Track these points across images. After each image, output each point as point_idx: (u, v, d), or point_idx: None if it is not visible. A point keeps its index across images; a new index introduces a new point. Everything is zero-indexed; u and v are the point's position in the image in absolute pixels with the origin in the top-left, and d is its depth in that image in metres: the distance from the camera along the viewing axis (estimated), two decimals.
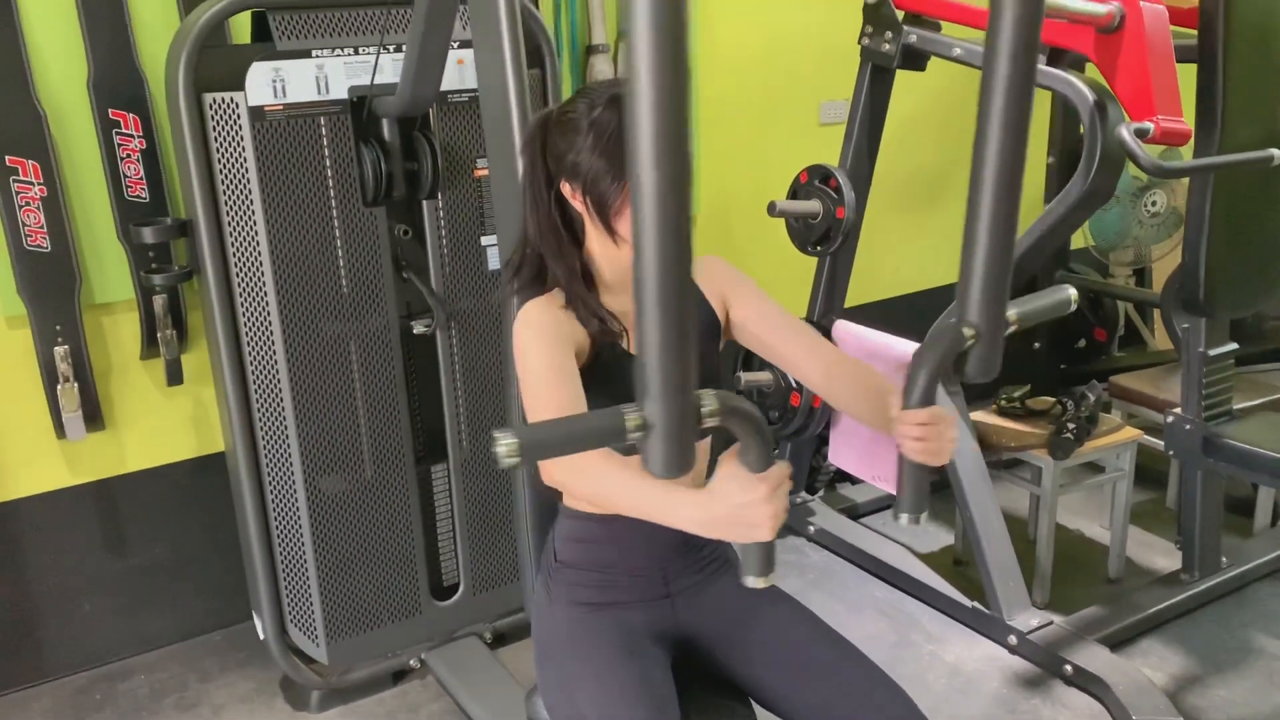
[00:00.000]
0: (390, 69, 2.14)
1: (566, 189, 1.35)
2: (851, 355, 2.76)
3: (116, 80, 2.27)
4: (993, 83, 1.05)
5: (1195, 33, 2.21)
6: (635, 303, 0.90)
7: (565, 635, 1.42)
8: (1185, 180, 2.94)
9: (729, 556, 1.55)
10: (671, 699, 1.34)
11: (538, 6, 2.69)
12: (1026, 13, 1.00)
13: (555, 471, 1.24)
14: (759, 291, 1.49)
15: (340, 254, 2.19)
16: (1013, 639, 2.51)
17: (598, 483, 1.22)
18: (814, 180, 2.81)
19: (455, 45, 2.15)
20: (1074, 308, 1.27)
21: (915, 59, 2.63)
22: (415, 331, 2.33)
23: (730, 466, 1.09)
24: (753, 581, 1.10)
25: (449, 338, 2.36)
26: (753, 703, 1.47)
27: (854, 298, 3.02)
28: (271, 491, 2.27)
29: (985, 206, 1.09)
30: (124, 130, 2.29)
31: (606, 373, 1.36)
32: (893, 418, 1.23)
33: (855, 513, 3.22)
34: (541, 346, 1.30)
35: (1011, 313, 1.17)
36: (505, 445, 0.90)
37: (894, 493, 2.78)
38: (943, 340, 1.16)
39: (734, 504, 1.07)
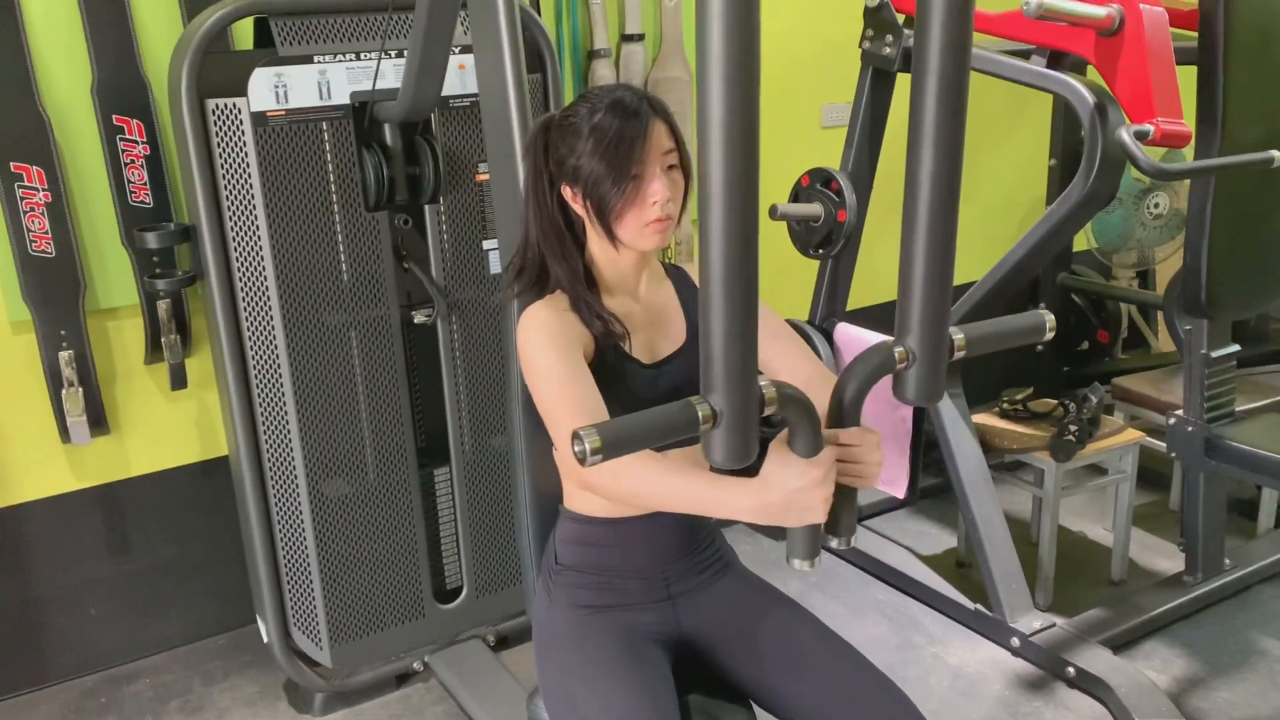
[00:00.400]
0: (392, 74, 2.15)
1: (568, 193, 1.35)
2: (852, 358, 2.74)
3: (120, 86, 2.28)
4: (924, 92, 1.01)
5: (1195, 35, 2.21)
6: (701, 298, 0.94)
7: (566, 637, 1.42)
8: (1188, 182, 2.94)
9: (729, 558, 1.55)
10: (672, 701, 1.34)
11: (539, 11, 2.70)
12: (955, 24, 0.98)
13: (592, 475, 1.22)
14: (765, 307, 1.50)
15: (343, 259, 2.20)
16: (1015, 641, 2.51)
17: (642, 482, 1.22)
18: (815, 183, 2.81)
19: (456, 50, 2.16)
20: (1050, 336, 1.19)
21: None
22: (416, 321, 2.33)
23: (781, 454, 1.10)
24: (799, 564, 1.13)
25: (450, 331, 2.36)
26: (753, 705, 1.47)
27: (856, 300, 3.02)
28: (275, 495, 2.27)
29: (921, 224, 1.05)
30: (127, 136, 2.30)
31: (610, 375, 1.36)
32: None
33: (858, 515, 3.22)
34: (552, 348, 1.30)
35: (959, 336, 1.12)
36: (590, 442, 0.93)
37: (897, 496, 2.79)
38: (870, 360, 1.11)
39: (788, 490, 1.10)
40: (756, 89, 0.88)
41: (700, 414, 0.97)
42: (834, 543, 1.21)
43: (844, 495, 1.19)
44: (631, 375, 1.39)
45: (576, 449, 0.94)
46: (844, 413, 1.17)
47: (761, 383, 0.99)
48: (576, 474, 1.27)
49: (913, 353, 1.10)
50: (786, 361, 1.45)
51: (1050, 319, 1.20)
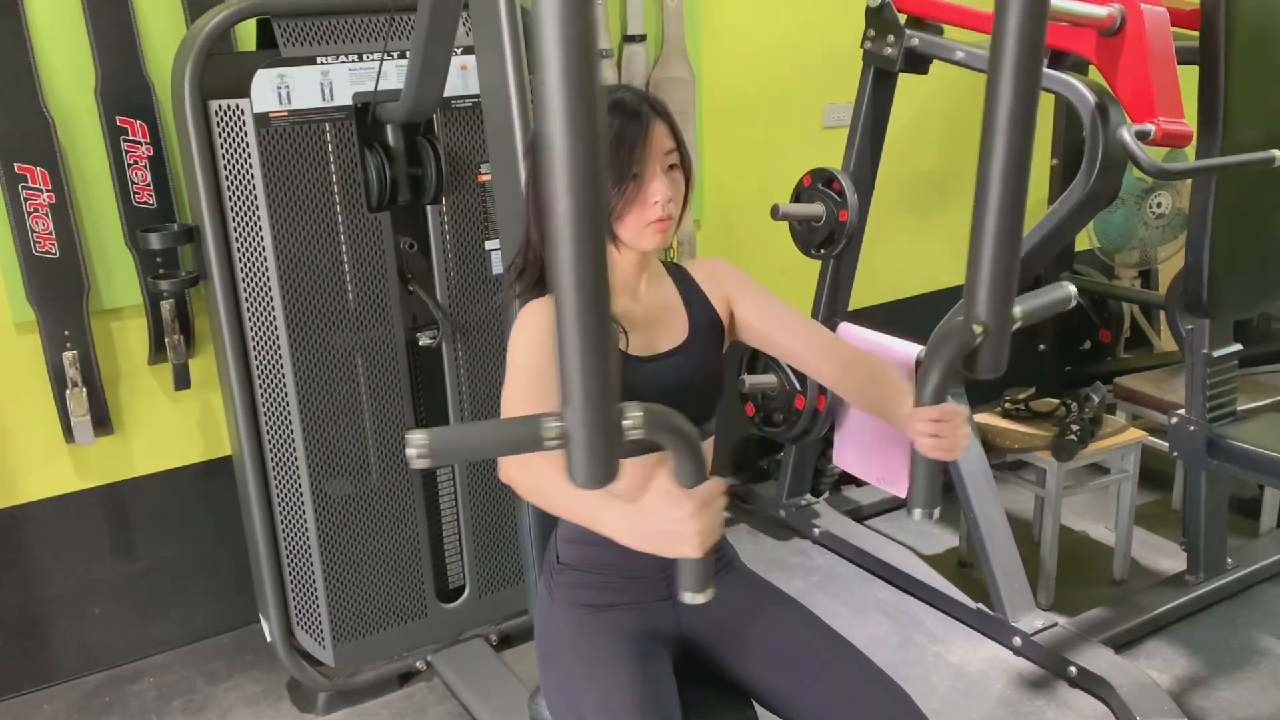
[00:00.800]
0: (394, 75, 2.15)
1: None
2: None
3: (124, 87, 2.29)
4: (999, 80, 1.07)
5: (1196, 34, 2.21)
6: (555, 313, 0.89)
7: (567, 636, 1.42)
8: (1190, 181, 2.94)
9: (730, 557, 1.56)
10: (673, 700, 1.34)
11: None
12: (1031, 11, 1.03)
13: (508, 468, 1.25)
14: (763, 290, 1.51)
15: (345, 259, 2.20)
16: (1017, 640, 2.51)
17: (542, 483, 1.22)
18: (817, 183, 2.82)
19: (458, 51, 2.17)
20: (1074, 304, 1.29)
21: (917, 62, 2.63)
22: (421, 344, 2.35)
23: (663, 481, 1.07)
24: (689, 598, 1.08)
25: (454, 349, 2.37)
26: (754, 703, 1.47)
27: (858, 300, 3.03)
28: (278, 495, 2.28)
29: (992, 204, 1.12)
30: (131, 137, 2.31)
31: None
32: (906, 415, 1.26)
33: (860, 515, 3.23)
34: (530, 345, 1.32)
35: (1016, 309, 1.19)
36: (415, 447, 0.91)
37: (899, 495, 2.79)
38: (953, 338, 1.18)
39: (662, 518, 1.06)
40: (595, 96, 0.84)
41: (544, 432, 0.92)
42: (916, 514, 1.27)
43: (931, 468, 1.25)
44: (629, 372, 1.39)
45: (405, 450, 0.93)
46: (933, 391, 1.22)
47: (632, 406, 0.94)
48: (501, 466, 1.27)
49: (986, 328, 1.17)
50: (812, 348, 1.48)
51: (1072, 288, 1.29)
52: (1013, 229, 1.13)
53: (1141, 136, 2.05)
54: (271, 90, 2.05)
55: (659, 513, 1.06)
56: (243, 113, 2.05)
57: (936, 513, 1.26)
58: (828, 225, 2.80)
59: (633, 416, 0.93)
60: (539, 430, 0.92)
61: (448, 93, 2.16)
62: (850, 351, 1.47)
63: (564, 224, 0.85)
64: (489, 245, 2.37)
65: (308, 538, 2.30)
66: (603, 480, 0.93)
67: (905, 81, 2.72)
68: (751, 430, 3.08)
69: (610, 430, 0.92)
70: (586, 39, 0.80)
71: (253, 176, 2.08)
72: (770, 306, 1.50)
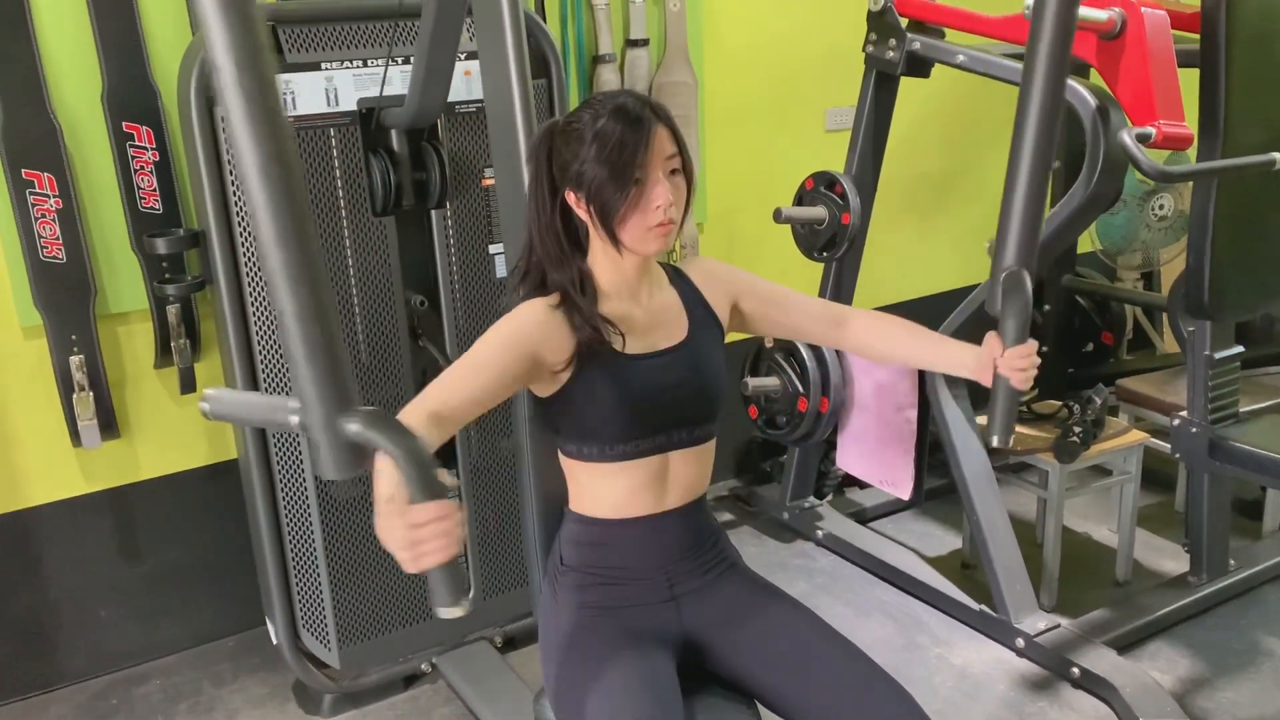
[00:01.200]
0: (398, 81, 2.17)
1: (571, 198, 1.37)
2: (858, 359, 2.77)
3: (130, 93, 2.30)
4: (1034, 61, 1.32)
5: (1197, 37, 2.22)
6: (276, 314, 0.91)
7: (571, 637, 1.43)
8: (1191, 184, 2.94)
9: (733, 559, 1.56)
10: (676, 700, 1.35)
11: (544, 17, 2.72)
12: (1064, 11, 1.27)
13: None
14: (758, 278, 1.56)
15: (350, 263, 2.21)
16: (1020, 642, 2.52)
17: None
18: (819, 186, 2.83)
19: (462, 56, 2.18)
20: None
21: (919, 66, 2.64)
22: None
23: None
24: (440, 612, 1.02)
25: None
26: (757, 704, 1.48)
27: (860, 303, 3.03)
28: (283, 498, 2.29)
29: (1023, 169, 1.37)
30: (137, 143, 2.32)
31: (602, 368, 1.39)
32: (997, 357, 1.41)
33: (863, 517, 3.23)
34: (495, 334, 1.35)
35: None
36: (207, 401, 1.07)
37: (902, 497, 2.78)
38: (1017, 285, 1.42)
39: (384, 524, 1.01)
40: (266, 50, 0.87)
41: (288, 418, 1.00)
42: (994, 440, 1.42)
43: (1012, 400, 1.40)
44: (625, 369, 1.40)
45: (200, 404, 1.06)
46: (1016, 333, 1.40)
47: (361, 414, 0.93)
48: None
49: (1027, 268, 1.43)
50: (819, 319, 1.57)
51: None
52: (1038, 193, 1.41)
53: (1142, 139, 2.06)
54: None
55: (385, 517, 1.02)
56: None
57: (1011, 439, 1.42)
58: (830, 228, 2.80)
59: (355, 420, 0.96)
60: (285, 415, 1.00)
61: (451, 97, 2.17)
62: (860, 312, 1.57)
63: (268, 235, 0.88)
64: (493, 249, 2.38)
65: (313, 540, 2.31)
66: (332, 473, 0.97)
67: (907, 85, 2.73)
68: (754, 433, 3.09)
69: (333, 429, 0.95)
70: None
71: None
72: (771, 290, 1.55)
